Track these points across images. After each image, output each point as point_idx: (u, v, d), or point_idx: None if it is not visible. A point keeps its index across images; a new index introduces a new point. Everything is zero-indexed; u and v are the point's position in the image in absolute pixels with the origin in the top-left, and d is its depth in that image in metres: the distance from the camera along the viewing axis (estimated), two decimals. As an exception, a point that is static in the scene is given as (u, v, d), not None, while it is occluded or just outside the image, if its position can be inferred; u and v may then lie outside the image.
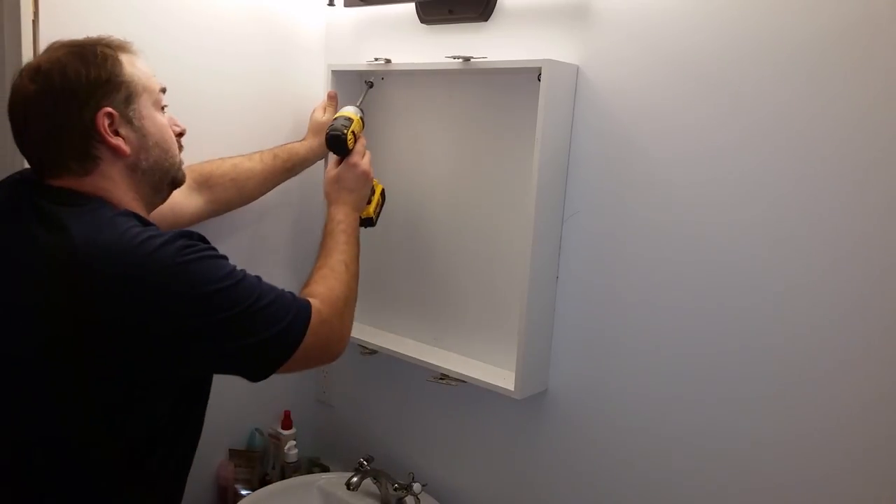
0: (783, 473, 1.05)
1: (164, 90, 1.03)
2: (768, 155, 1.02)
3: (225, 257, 0.94)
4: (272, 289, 0.97)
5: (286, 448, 1.61)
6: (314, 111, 1.49)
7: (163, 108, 1.03)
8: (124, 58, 0.97)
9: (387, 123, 1.51)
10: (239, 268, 0.95)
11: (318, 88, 1.58)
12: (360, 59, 1.50)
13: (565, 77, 1.18)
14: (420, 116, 1.45)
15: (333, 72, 1.47)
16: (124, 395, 0.89)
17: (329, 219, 1.23)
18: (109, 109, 0.93)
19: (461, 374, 1.32)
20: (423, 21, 1.40)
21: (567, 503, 1.31)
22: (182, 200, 1.28)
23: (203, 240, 0.93)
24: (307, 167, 1.48)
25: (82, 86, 0.92)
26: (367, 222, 1.36)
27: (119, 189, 0.96)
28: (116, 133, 0.94)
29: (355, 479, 1.46)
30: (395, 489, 1.41)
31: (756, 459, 1.07)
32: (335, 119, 1.31)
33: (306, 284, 1.09)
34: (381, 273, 1.56)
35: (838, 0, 0.95)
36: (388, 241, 1.54)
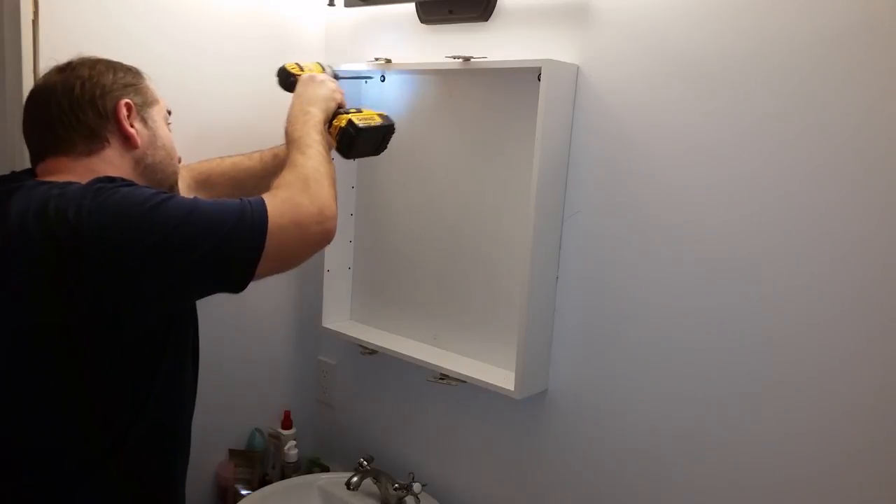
0: (784, 472, 1.05)
1: (169, 112, 1.10)
2: (768, 154, 1.02)
3: (151, 187, 0.93)
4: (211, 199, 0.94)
5: (286, 448, 1.61)
6: None
7: (168, 126, 1.10)
8: (141, 73, 1.07)
9: (387, 123, 1.51)
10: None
11: (318, 88, 1.57)
12: (361, 59, 1.50)
13: (565, 77, 1.19)
14: (420, 116, 1.45)
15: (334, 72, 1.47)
16: (96, 367, 0.90)
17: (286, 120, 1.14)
18: (130, 101, 1.01)
19: (461, 374, 1.32)
20: (423, 21, 1.40)
21: (566, 503, 1.31)
22: None
23: (127, 182, 0.92)
24: None
25: (108, 80, 1.00)
26: (350, 131, 1.17)
27: (115, 174, 0.96)
28: (131, 125, 1.01)
29: (355, 479, 1.46)
30: (395, 489, 1.41)
31: (757, 458, 1.07)
32: None
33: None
34: (381, 273, 1.56)
35: (837, 1, 0.95)
36: (388, 241, 1.54)
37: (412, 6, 1.40)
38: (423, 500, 1.42)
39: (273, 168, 1.41)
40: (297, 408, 1.69)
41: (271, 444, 1.63)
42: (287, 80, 1.27)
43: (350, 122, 1.18)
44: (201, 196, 1.32)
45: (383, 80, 1.48)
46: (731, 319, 1.08)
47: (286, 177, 1.01)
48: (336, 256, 1.58)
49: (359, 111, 1.22)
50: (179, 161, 1.12)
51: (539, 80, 1.14)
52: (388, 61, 1.39)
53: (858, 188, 0.95)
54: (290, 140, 1.10)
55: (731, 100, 1.05)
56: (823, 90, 0.97)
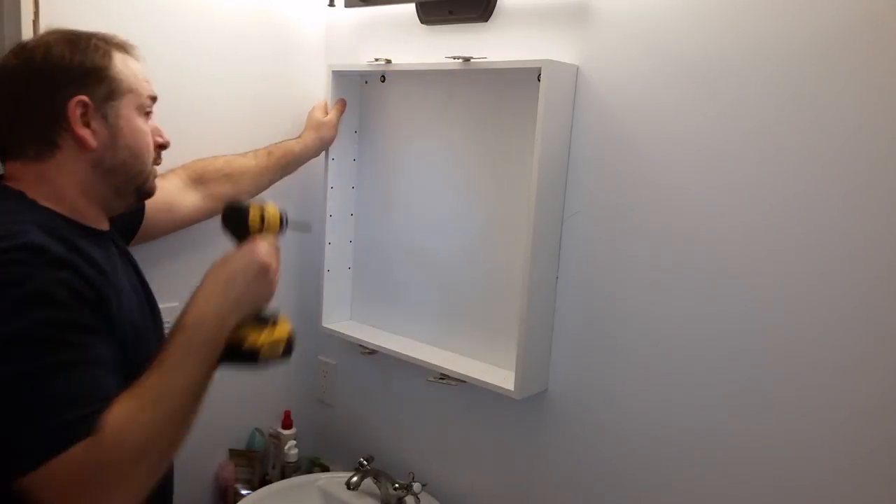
0: (783, 476, 1.05)
1: (154, 98, 0.98)
2: (769, 156, 1.02)
3: (49, 301, 0.76)
4: (78, 378, 0.76)
5: (286, 448, 1.61)
6: (313, 109, 1.49)
7: (147, 115, 0.97)
8: (118, 55, 0.93)
9: (387, 124, 1.51)
10: (72, 336, 0.77)
11: (318, 89, 1.58)
12: (361, 59, 1.50)
13: (565, 77, 1.19)
14: (420, 117, 1.45)
15: (334, 72, 1.48)
16: None
17: (188, 305, 0.88)
18: (84, 98, 0.88)
19: (461, 374, 1.32)
20: (423, 21, 1.40)
21: (566, 502, 1.31)
22: (178, 196, 1.28)
23: (59, 266, 0.78)
24: (302, 164, 1.48)
25: (62, 69, 0.88)
26: (248, 356, 0.91)
27: (68, 182, 0.89)
28: (87, 125, 0.89)
29: (355, 478, 1.46)
30: (395, 489, 1.41)
31: (756, 461, 1.07)
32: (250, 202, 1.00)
33: (128, 388, 0.80)
34: (381, 273, 1.56)
35: (839, 1, 0.95)
36: (387, 241, 1.54)
37: (412, 7, 1.40)
38: (423, 499, 1.42)
39: (266, 165, 1.41)
40: (298, 408, 1.69)
41: (271, 443, 1.63)
42: (240, 229, 0.97)
43: (253, 350, 0.91)
44: (197, 193, 1.32)
45: (383, 81, 1.48)
46: (731, 321, 1.08)
47: (148, 420, 0.78)
48: (336, 256, 1.58)
49: (274, 322, 0.95)
50: (162, 147, 0.99)
51: (539, 80, 1.14)
52: (389, 62, 1.39)
53: (862, 190, 0.95)
54: (186, 335, 0.84)
55: (732, 100, 1.05)
56: (826, 90, 0.97)
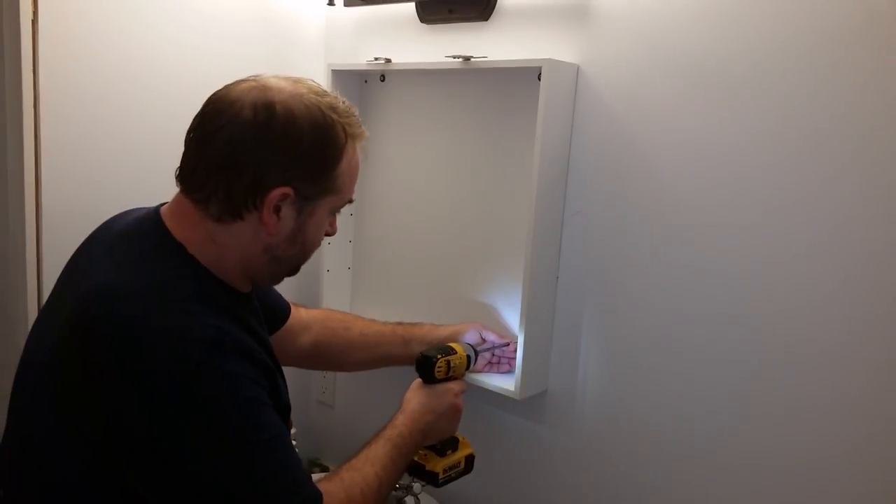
0: (782, 478, 1.05)
1: (351, 201, 0.95)
2: (772, 155, 1.02)
3: (264, 403, 0.88)
4: (293, 461, 0.88)
5: (286, 448, 1.60)
6: (470, 331, 1.30)
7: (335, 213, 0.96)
8: (350, 147, 0.89)
9: (387, 123, 1.50)
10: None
11: (317, 88, 1.57)
12: (360, 58, 1.49)
13: (566, 77, 1.18)
14: (420, 116, 1.44)
15: (333, 71, 1.47)
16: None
17: (391, 424, 1.05)
18: (289, 192, 0.84)
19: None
20: (423, 20, 1.40)
21: (567, 503, 1.31)
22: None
23: (258, 367, 0.87)
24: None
25: (291, 153, 0.84)
26: (430, 478, 1.12)
27: (234, 253, 0.88)
28: (278, 210, 0.86)
29: (355, 479, 1.45)
30: (395, 490, 1.40)
31: (759, 464, 1.07)
32: (440, 346, 1.17)
33: (326, 479, 0.96)
34: (381, 273, 1.56)
35: (843, 0, 0.94)
36: (387, 241, 1.54)
37: (412, 6, 1.40)
38: (423, 500, 1.41)
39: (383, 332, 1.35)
40: (297, 408, 1.67)
41: (271, 444, 1.63)
42: (428, 376, 1.13)
43: (434, 473, 1.12)
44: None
45: (383, 80, 1.48)
46: (732, 322, 1.07)
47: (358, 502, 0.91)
48: (335, 256, 1.57)
49: (454, 448, 1.15)
50: (327, 235, 0.98)
51: (539, 79, 1.13)
52: (388, 61, 1.39)
53: (867, 189, 0.94)
54: (386, 445, 1.00)
55: (734, 100, 1.04)
56: (830, 88, 0.96)
